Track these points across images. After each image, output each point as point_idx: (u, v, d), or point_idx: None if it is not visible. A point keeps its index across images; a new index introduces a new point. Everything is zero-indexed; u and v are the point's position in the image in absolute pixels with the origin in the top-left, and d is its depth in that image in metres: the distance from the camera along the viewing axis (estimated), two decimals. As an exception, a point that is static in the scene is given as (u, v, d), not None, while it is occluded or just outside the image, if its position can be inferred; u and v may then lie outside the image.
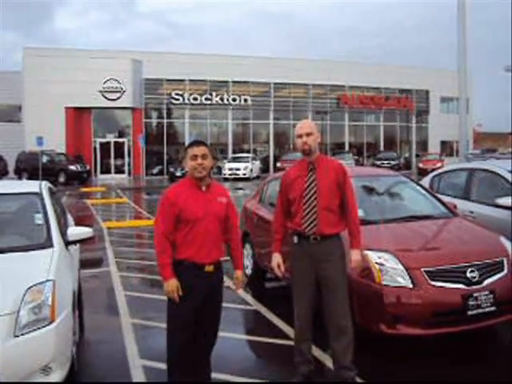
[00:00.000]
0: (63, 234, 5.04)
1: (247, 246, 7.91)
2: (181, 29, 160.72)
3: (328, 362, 4.87)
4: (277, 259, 4.51)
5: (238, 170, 35.15)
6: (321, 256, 4.26)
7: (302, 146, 4.35)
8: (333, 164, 4.44)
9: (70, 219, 6.81)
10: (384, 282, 4.80)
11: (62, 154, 33.81)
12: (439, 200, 6.57)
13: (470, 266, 4.91)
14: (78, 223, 7.14)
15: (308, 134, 4.33)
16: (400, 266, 4.84)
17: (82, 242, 5.33)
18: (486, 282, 4.91)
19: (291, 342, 5.36)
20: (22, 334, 3.67)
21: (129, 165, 39.56)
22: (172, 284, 3.78)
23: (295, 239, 4.37)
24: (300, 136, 4.36)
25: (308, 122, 4.51)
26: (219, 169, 38.37)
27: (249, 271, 7.87)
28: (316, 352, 4.90)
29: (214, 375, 4.31)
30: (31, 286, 3.86)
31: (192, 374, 4.00)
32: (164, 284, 3.81)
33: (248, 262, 7.90)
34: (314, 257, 4.27)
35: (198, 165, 3.86)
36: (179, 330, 3.85)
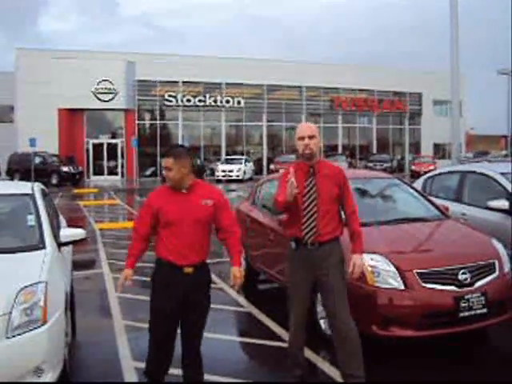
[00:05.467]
0: (56, 235, 5.02)
1: (240, 247, 7.92)
2: (167, 32, 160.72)
3: (320, 364, 4.89)
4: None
5: (231, 171, 35.15)
6: (320, 262, 4.19)
7: (303, 149, 4.21)
8: (333, 169, 4.34)
9: (63, 220, 6.80)
10: (376, 284, 4.82)
11: (55, 155, 33.70)
12: (432, 202, 6.60)
13: (461, 268, 4.93)
14: (70, 224, 7.13)
15: (310, 137, 4.19)
16: (392, 268, 4.86)
17: (74, 243, 5.32)
18: (477, 284, 4.94)
19: (284, 344, 5.38)
20: (14, 336, 3.66)
21: (122, 166, 39.48)
22: (124, 273, 4.00)
23: (293, 245, 4.29)
24: (302, 138, 4.22)
25: (310, 125, 4.38)
26: (212, 170, 38.43)
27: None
28: (306, 352, 4.90)
29: (207, 377, 4.31)
30: (23, 288, 3.85)
31: (185, 373, 4.06)
32: None
33: (241, 264, 7.90)
34: (313, 263, 4.19)
35: (166, 175, 3.94)
36: (156, 326, 3.97)
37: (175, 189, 3.94)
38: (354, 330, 4.16)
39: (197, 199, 3.91)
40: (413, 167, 38.40)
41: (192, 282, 3.90)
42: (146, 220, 3.98)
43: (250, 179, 35.23)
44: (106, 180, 37.18)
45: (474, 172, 7.91)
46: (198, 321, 4.00)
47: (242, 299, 7.19)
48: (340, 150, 45.41)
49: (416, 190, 6.98)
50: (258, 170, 41.04)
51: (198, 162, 37.29)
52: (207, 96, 41.04)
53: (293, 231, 4.30)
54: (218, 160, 40.10)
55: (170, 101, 40.25)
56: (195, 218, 3.87)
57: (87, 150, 38.68)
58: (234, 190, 27.15)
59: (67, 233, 5.20)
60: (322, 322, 5.33)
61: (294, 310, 4.34)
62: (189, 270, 3.87)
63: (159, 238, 3.97)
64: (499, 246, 5.48)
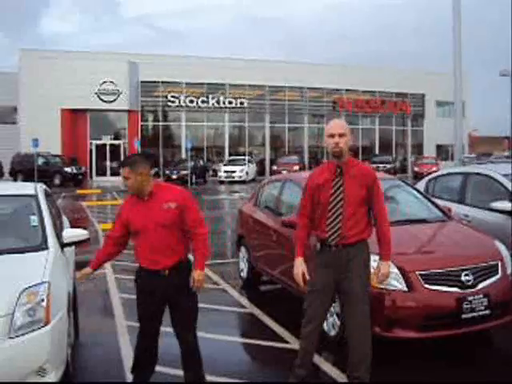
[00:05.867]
0: (59, 236, 5.03)
1: (242, 249, 7.93)
2: (169, 33, 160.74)
3: (322, 365, 4.89)
4: (300, 266, 4.19)
5: (233, 172, 35.14)
6: (343, 264, 4.08)
7: (333, 147, 4.07)
8: (362, 168, 4.19)
9: (66, 221, 6.80)
10: (379, 286, 4.80)
11: (58, 155, 33.74)
12: (434, 204, 6.59)
13: (464, 270, 4.93)
14: (73, 225, 7.12)
15: (341, 135, 4.07)
16: (395, 270, 4.84)
17: (77, 244, 5.32)
18: (480, 286, 4.93)
19: (286, 345, 5.38)
20: (17, 336, 3.67)
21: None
22: (85, 270, 4.16)
23: (318, 246, 4.20)
24: (332, 136, 4.07)
25: (341, 122, 4.26)
26: (215, 171, 38.45)
27: (244, 274, 7.88)
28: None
29: (208, 377, 4.32)
30: (26, 288, 3.85)
31: (185, 373, 4.14)
32: None
33: (243, 265, 7.91)
34: (336, 265, 4.09)
35: (125, 185, 4.04)
36: (140, 328, 4.17)
37: (138, 197, 4.03)
38: (369, 334, 4.12)
39: (158, 204, 3.96)
40: (415, 168, 38.40)
41: (169, 284, 3.99)
42: (116, 228, 4.16)
43: (253, 180, 35.22)
44: (108, 181, 37.18)
45: (476, 173, 7.90)
46: (183, 320, 4.07)
47: (244, 300, 7.18)
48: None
49: (418, 192, 6.97)
50: (261, 171, 41.04)
51: (201, 162, 37.33)
52: (210, 97, 41.08)
53: (317, 232, 4.19)
54: (221, 161, 40.11)
55: (173, 102, 40.30)
56: (159, 223, 3.94)
57: (90, 151, 38.72)
58: (236, 191, 27.15)
59: (70, 233, 5.20)
60: (324, 323, 5.32)
61: (311, 313, 4.20)
62: (164, 272, 3.98)
63: (134, 245, 4.13)
64: (502, 248, 5.47)
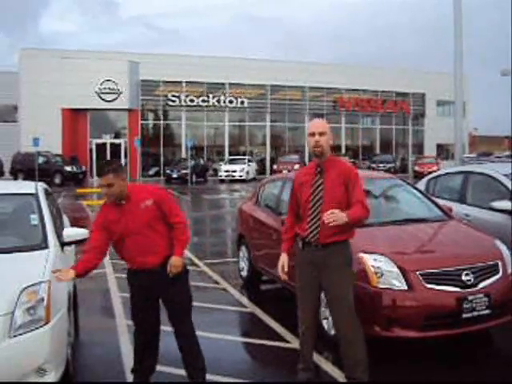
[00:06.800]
0: (59, 235, 5.03)
1: (243, 248, 7.92)
2: (168, 33, 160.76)
3: (323, 365, 4.88)
4: (282, 259, 4.37)
5: (234, 172, 35.12)
6: (323, 263, 4.12)
7: (313, 145, 4.11)
8: (342, 166, 4.20)
9: (66, 220, 6.80)
10: (379, 285, 4.80)
11: (58, 155, 33.73)
12: (435, 203, 6.58)
13: (465, 269, 4.92)
14: (73, 224, 7.12)
15: (321, 134, 4.10)
16: (395, 269, 4.84)
17: (77, 243, 5.31)
18: (480, 285, 4.92)
19: (286, 344, 5.38)
20: (17, 335, 3.67)
21: (125, 166, 39.45)
22: (69, 272, 3.91)
23: (300, 245, 4.26)
24: (313, 134, 4.13)
25: (322, 121, 4.29)
26: (215, 171, 38.46)
27: (245, 273, 7.88)
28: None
29: (209, 377, 4.31)
30: (26, 287, 3.85)
31: (187, 373, 4.16)
32: None
33: (244, 265, 7.90)
34: (316, 264, 4.13)
35: (107, 192, 3.96)
36: (136, 326, 4.22)
37: (115, 203, 3.99)
38: (360, 335, 4.13)
39: (136, 205, 3.95)
40: (416, 168, 38.37)
41: (158, 279, 4.00)
42: (95, 236, 4.03)
43: (254, 179, 35.18)
44: (109, 180, 37.13)
45: (477, 173, 7.89)
46: (176, 314, 4.10)
47: (244, 299, 7.18)
48: (343, 150, 45.38)
49: (419, 191, 6.97)
50: (261, 170, 41.04)
51: (201, 162, 37.34)
52: (210, 96, 41.05)
53: (299, 230, 4.25)
54: (222, 160, 40.12)
55: (174, 101, 40.28)
56: (140, 223, 3.94)
57: (90, 150, 38.66)
58: (237, 191, 27.15)
59: (70, 232, 5.20)
60: (324, 322, 5.32)
61: (303, 312, 4.29)
62: (151, 269, 3.99)
63: (117, 251, 4.12)
64: (502, 247, 5.46)
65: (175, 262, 3.95)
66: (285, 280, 4.46)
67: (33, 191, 5.43)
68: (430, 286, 4.80)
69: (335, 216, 3.82)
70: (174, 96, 40.18)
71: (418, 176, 30.68)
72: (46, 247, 4.63)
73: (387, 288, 4.79)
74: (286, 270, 4.35)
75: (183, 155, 38.56)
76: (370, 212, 4.10)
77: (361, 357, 4.11)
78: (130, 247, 3.99)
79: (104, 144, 39.15)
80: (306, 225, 4.16)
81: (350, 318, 4.12)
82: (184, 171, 33.16)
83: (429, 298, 4.76)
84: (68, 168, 32.15)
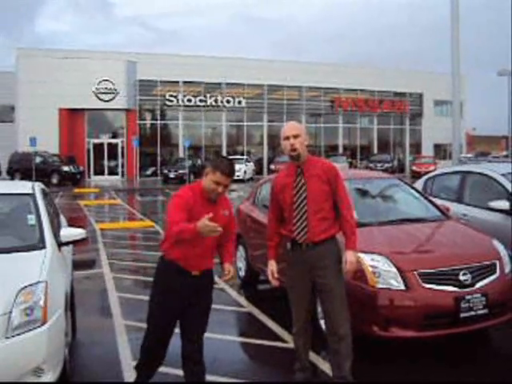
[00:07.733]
0: (56, 235, 5.01)
1: (240, 248, 7.92)
2: (165, 33, 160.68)
3: (321, 365, 4.88)
4: (272, 267, 4.36)
5: (231, 171, 35.04)
6: (314, 262, 4.15)
7: (289, 149, 4.15)
8: (322, 165, 4.25)
9: (63, 220, 6.79)
10: (377, 285, 4.80)
11: (56, 154, 33.68)
12: (432, 203, 6.58)
13: (462, 269, 4.92)
14: (71, 224, 7.12)
15: (295, 136, 4.14)
16: (393, 269, 4.84)
17: (74, 243, 5.31)
18: (478, 285, 4.93)
19: (284, 344, 5.38)
20: (14, 336, 3.65)
21: (122, 166, 39.44)
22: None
23: (288, 246, 4.28)
24: (287, 138, 4.17)
25: (295, 124, 4.34)
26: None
27: (242, 273, 7.88)
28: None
29: (207, 377, 4.30)
30: (23, 287, 3.84)
31: (187, 370, 4.03)
32: None
33: (241, 264, 7.90)
34: (308, 263, 4.17)
35: (216, 191, 3.82)
36: (158, 323, 3.95)
37: (208, 199, 3.85)
38: (349, 333, 4.16)
39: (221, 210, 3.90)
40: (413, 167, 38.43)
41: (198, 284, 3.89)
42: (183, 217, 3.69)
43: (251, 179, 35.23)
44: (106, 180, 37.17)
45: (474, 172, 7.90)
46: (201, 322, 3.99)
47: (242, 299, 7.18)
48: (341, 150, 45.44)
49: (416, 191, 6.97)
50: (259, 170, 41.03)
51: (199, 161, 37.31)
52: (208, 96, 41.05)
53: (287, 232, 4.27)
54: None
55: (171, 101, 40.26)
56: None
57: (88, 150, 38.65)
58: (234, 190, 27.14)
59: (67, 232, 5.19)
60: (322, 322, 5.32)
61: (295, 312, 4.33)
62: (196, 273, 3.86)
63: (173, 243, 3.82)
64: (500, 247, 5.47)
65: (231, 269, 3.95)
66: (276, 285, 4.45)
67: (30, 191, 5.42)
68: (427, 285, 4.80)
69: (353, 265, 4.10)
70: (171, 96, 40.16)
71: (416, 176, 30.69)
72: (43, 247, 4.61)
73: (385, 288, 4.79)
74: (276, 275, 4.36)
75: (181, 155, 38.56)
76: (355, 219, 4.31)
77: (350, 351, 4.16)
78: (196, 247, 3.79)
79: (101, 144, 39.14)
80: (293, 226, 4.18)
81: (343, 316, 4.16)
82: (181, 171, 33.16)
83: (427, 297, 4.77)
84: (65, 168, 32.11)
